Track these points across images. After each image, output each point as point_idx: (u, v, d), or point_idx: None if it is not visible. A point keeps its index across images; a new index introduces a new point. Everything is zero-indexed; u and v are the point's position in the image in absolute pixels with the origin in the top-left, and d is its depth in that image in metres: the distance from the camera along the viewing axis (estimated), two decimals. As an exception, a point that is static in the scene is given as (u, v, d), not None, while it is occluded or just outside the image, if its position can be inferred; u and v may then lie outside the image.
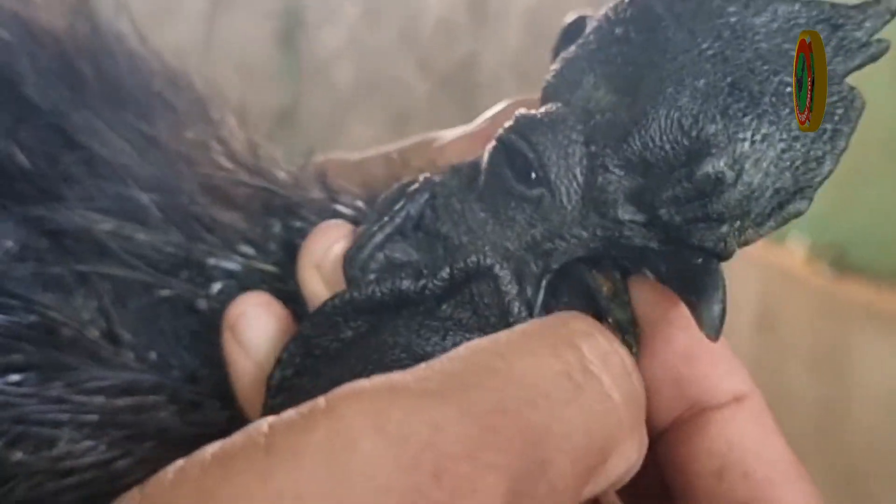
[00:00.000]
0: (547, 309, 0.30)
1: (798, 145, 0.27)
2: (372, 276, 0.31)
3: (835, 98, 0.27)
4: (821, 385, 0.81)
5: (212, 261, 0.34)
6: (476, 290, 0.30)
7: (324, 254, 0.32)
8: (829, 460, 0.80)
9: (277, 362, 0.31)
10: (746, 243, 0.27)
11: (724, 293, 0.27)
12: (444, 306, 0.31)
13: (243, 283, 0.35)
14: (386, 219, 0.32)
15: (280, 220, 0.35)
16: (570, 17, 0.34)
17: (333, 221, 0.33)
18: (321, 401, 0.23)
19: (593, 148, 0.29)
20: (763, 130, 0.27)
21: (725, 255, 0.27)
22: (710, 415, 0.30)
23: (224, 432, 0.31)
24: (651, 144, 0.28)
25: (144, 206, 0.33)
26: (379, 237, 0.32)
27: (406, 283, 0.30)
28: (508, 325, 0.29)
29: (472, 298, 0.30)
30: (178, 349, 0.34)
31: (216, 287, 0.34)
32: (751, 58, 0.28)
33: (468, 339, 0.29)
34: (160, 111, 0.35)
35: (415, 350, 0.30)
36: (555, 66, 0.32)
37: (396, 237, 0.32)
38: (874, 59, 0.28)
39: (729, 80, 0.27)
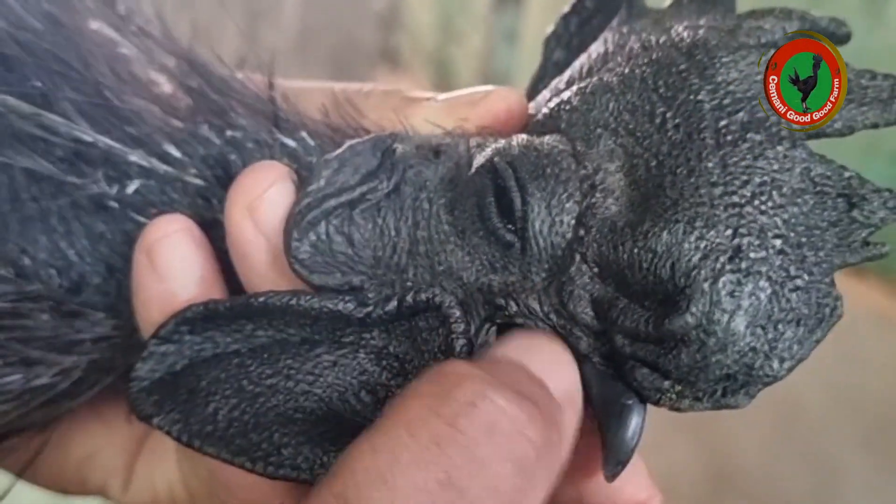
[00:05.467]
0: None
1: (765, 339, 0.25)
2: (307, 247, 0.29)
3: (818, 303, 0.25)
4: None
5: (132, 157, 0.31)
6: (418, 323, 0.29)
7: (257, 196, 0.29)
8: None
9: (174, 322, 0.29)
10: (677, 409, 0.26)
11: (638, 441, 0.26)
12: (374, 332, 0.29)
13: (163, 185, 0.32)
14: (345, 182, 0.29)
15: (210, 123, 0.32)
16: None
17: (269, 161, 0.31)
18: None
19: (581, 232, 0.27)
20: (741, 314, 0.25)
21: (655, 405, 0.26)
22: None
23: (107, 338, 0.32)
24: (637, 267, 0.26)
25: (58, 93, 0.30)
26: (331, 202, 0.29)
27: (349, 307, 0.28)
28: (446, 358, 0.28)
29: (411, 332, 0.29)
30: (68, 252, 0.32)
31: (132, 186, 0.32)
32: (766, 225, 0.25)
33: (396, 375, 0.28)
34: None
35: (331, 382, 0.29)
36: (580, 90, 0.29)
37: (347, 211, 0.29)
38: (869, 260, 0.26)
39: (736, 242, 0.25)
